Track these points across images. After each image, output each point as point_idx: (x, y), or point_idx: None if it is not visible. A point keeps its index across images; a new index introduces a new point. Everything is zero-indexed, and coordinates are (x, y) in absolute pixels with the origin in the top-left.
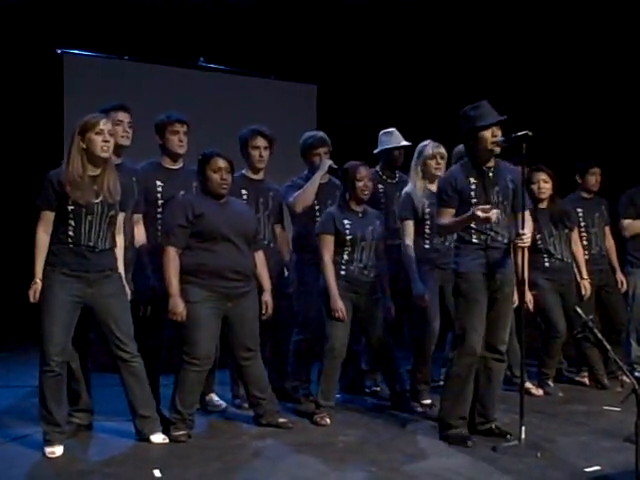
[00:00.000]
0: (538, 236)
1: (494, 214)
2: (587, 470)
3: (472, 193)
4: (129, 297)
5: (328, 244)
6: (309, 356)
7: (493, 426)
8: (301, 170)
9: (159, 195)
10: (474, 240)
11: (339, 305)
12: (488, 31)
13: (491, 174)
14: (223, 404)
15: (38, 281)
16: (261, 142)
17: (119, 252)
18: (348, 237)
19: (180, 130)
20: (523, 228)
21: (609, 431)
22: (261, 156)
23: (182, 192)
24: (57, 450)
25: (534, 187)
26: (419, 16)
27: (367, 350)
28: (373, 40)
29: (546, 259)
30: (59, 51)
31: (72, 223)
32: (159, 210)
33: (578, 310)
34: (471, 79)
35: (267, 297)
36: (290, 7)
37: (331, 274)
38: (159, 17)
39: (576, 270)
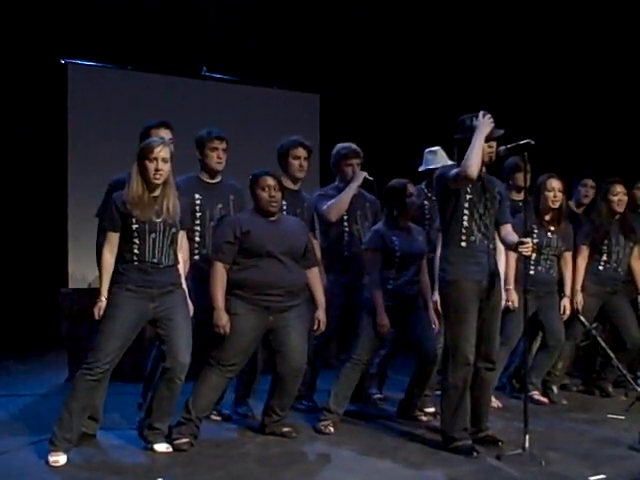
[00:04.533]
0: (605, 242)
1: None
2: (592, 478)
3: (466, 196)
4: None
5: (375, 261)
6: (317, 362)
7: (485, 435)
8: (307, 178)
9: (197, 208)
10: (462, 244)
11: (385, 321)
12: (491, 38)
13: (481, 182)
14: (227, 412)
15: (103, 299)
16: (302, 152)
17: (181, 267)
18: (397, 253)
19: (219, 147)
20: (526, 237)
21: (614, 439)
22: (301, 166)
23: (219, 205)
24: (61, 459)
25: (614, 198)
26: (422, 25)
27: (379, 353)
28: (376, 49)
29: (602, 263)
30: (63, 61)
31: (137, 241)
32: (197, 222)
33: (581, 318)
34: (474, 88)
35: (320, 314)
36: (292, 17)
37: (378, 291)
38: (162, 27)
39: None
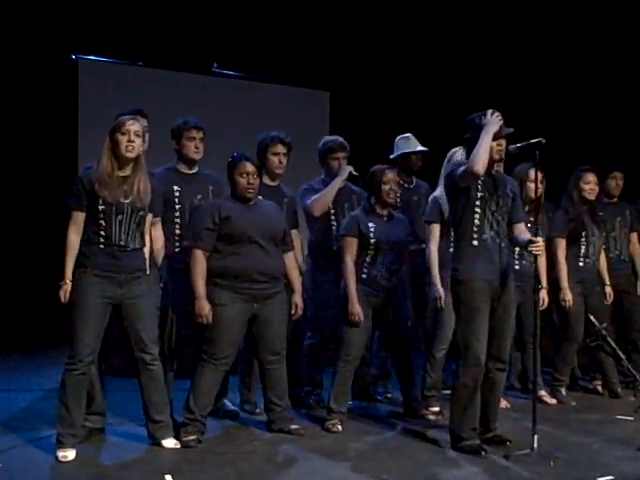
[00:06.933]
0: (583, 233)
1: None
2: (600, 479)
3: (478, 194)
4: (157, 304)
5: (351, 247)
6: (321, 359)
7: (494, 435)
8: (315, 176)
9: (176, 200)
10: (474, 243)
11: (357, 309)
12: (501, 37)
13: (492, 181)
14: (235, 409)
15: (68, 282)
16: (281, 149)
17: (147, 251)
18: (372, 240)
19: (197, 136)
20: (536, 236)
21: (622, 440)
22: (280, 162)
23: (199, 196)
24: (69, 454)
25: (586, 187)
26: (432, 22)
27: (379, 355)
28: (386, 46)
29: (581, 259)
30: (74, 57)
31: (103, 223)
32: (176, 214)
33: (592, 318)
34: (484, 85)
35: (297, 298)
36: (303, 14)
37: (352, 277)
38: (173, 23)
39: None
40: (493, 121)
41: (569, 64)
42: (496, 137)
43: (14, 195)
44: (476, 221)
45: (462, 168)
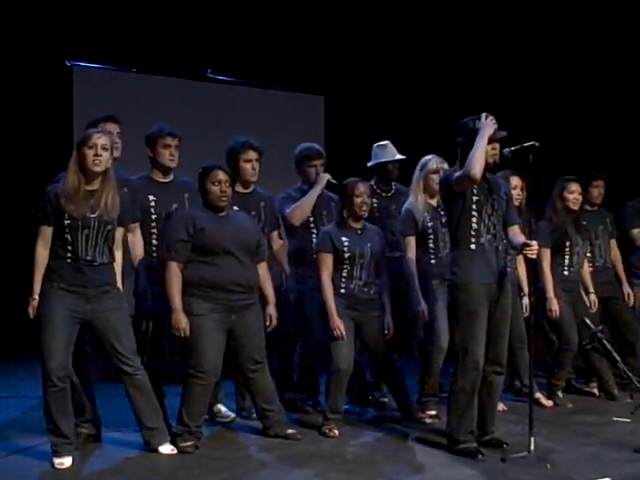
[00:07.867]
0: (567, 243)
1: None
2: None
3: (474, 198)
4: (131, 312)
5: (326, 262)
6: (315, 368)
7: (491, 438)
8: None
9: (152, 209)
10: (472, 247)
11: (337, 323)
12: (494, 40)
13: (487, 184)
14: (231, 415)
15: (36, 297)
16: (253, 155)
17: (117, 267)
18: (346, 254)
19: (172, 144)
20: (531, 239)
21: (619, 442)
22: (253, 169)
23: (175, 205)
24: (66, 461)
25: (570, 196)
26: (426, 27)
27: (371, 363)
28: (380, 51)
29: (566, 267)
30: (68, 63)
31: (69, 238)
32: (153, 225)
33: (587, 321)
34: (477, 90)
35: (271, 309)
36: (297, 18)
37: (329, 293)
38: (167, 29)
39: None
40: (488, 124)
41: (552, 72)
42: (490, 140)
43: (9, 201)
44: (473, 225)
45: (459, 173)
